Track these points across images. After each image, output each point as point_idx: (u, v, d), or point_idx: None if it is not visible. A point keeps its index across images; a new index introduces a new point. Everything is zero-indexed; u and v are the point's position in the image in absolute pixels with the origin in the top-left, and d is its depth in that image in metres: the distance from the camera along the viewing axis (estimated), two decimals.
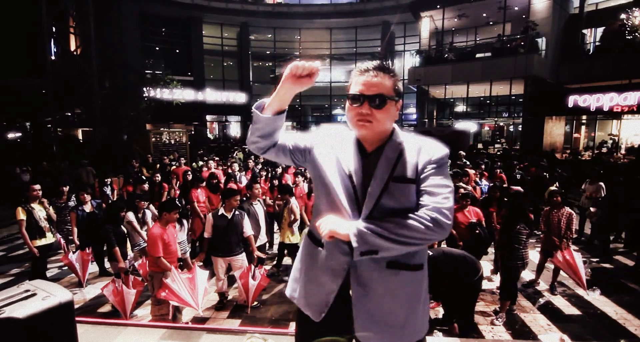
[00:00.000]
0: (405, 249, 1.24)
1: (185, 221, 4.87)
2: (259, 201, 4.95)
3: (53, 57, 17.25)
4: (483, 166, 7.91)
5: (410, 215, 1.22)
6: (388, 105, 1.27)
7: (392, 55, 24.37)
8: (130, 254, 4.38)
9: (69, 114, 20.21)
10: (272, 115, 1.28)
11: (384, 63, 1.32)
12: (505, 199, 5.53)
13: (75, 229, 4.99)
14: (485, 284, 5.10)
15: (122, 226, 4.33)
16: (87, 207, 5.22)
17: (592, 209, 6.20)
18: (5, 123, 18.19)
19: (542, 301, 4.68)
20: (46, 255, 4.84)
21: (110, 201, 6.27)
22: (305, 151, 1.39)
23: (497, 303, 4.46)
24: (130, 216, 4.46)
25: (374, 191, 1.27)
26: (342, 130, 1.42)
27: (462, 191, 5.30)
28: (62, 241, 5.23)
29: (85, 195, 5.22)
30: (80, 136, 20.64)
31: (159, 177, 6.70)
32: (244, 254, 4.44)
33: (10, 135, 17.69)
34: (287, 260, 5.47)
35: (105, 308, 4.43)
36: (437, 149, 1.31)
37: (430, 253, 3.38)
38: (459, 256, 3.39)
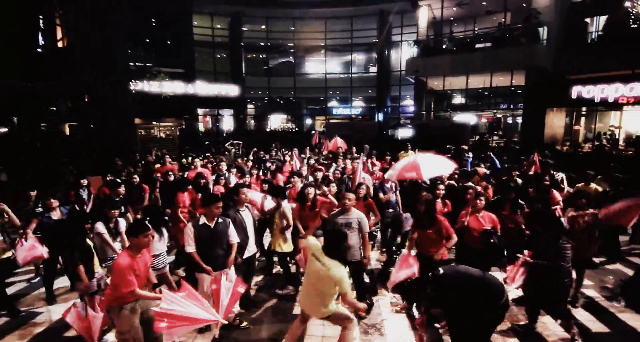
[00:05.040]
0: None
1: (165, 230, 4.31)
2: (246, 206, 4.39)
3: (40, 50, 16.43)
4: (489, 164, 7.42)
5: None
6: None
7: (389, 46, 23.73)
8: (99, 270, 3.81)
9: (54, 108, 19.39)
10: None
11: None
12: (521, 203, 5.01)
13: (30, 233, 4.37)
14: None
15: (87, 239, 3.76)
16: (55, 215, 4.64)
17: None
18: None
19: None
20: (4, 271, 4.28)
21: (85, 206, 5.69)
22: None
23: (513, 318, 4.00)
24: (100, 227, 3.89)
25: None
26: None
27: (471, 192, 4.81)
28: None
29: (52, 200, 4.64)
30: (67, 131, 19.85)
31: (137, 179, 6.08)
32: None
33: None
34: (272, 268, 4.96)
35: (72, 332, 3.88)
36: None
37: (442, 271, 2.89)
38: (477, 275, 2.88)
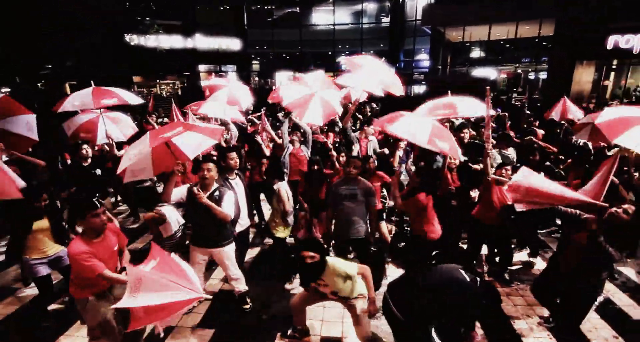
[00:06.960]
0: None
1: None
2: (237, 174, 3.79)
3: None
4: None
5: None
6: None
7: None
8: None
9: (49, 66, 18.58)
10: None
11: None
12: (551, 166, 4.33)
13: None
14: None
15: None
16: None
17: None
18: None
19: (600, 299, 3.66)
20: None
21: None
22: None
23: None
24: None
25: None
26: None
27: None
28: None
29: None
30: (68, 91, 19.16)
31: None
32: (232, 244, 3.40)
33: None
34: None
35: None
36: None
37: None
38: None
